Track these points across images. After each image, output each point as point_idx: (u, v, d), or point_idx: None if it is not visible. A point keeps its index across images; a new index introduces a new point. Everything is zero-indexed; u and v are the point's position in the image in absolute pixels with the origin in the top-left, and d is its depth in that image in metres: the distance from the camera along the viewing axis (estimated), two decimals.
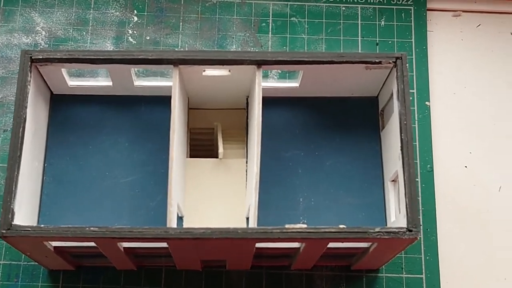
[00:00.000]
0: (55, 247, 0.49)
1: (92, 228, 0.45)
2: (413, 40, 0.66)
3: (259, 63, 0.50)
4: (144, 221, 0.51)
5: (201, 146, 0.58)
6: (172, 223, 0.47)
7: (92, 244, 0.48)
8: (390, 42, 0.66)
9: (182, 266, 0.57)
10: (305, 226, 0.45)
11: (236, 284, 0.58)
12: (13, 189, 0.46)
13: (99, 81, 0.55)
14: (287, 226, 0.45)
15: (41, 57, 0.49)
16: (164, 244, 0.49)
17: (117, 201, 0.52)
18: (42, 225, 0.45)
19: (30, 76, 0.49)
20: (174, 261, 0.55)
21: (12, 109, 0.62)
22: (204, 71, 0.51)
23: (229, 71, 0.52)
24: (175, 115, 0.49)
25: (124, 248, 0.50)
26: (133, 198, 0.52)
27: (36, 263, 0.57)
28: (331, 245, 0.48)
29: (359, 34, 0.66)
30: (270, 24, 0.66)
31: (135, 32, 0.66)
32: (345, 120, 0.55)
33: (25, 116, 0.48)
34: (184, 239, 0.45)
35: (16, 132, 0.47)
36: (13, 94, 0.63)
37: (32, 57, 0.49)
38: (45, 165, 0.53)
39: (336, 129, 0.55)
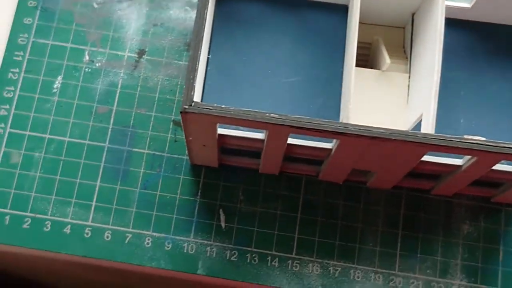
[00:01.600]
0: (219, 135, 0.50)
1: (272, 115, 0.45)
2: None
3: None
4: None
5: (357, 61, 0.57)
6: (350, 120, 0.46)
7: (258, 136, 0.49)
8: None
9: (325, 177, 0.57)
10: (483, 138, 0.45)
11: (375, 202, 0.58)
12: (196, 67, 0.46)
13: None
14: (465, 136, 0.45)
15: None
16: (327, 145, 0.49)
17: (277, 101, 0.52)
18: (223, 106, 0.45)
19: None
20: (321, 170, 0.55)
21: (163, 4, 0.62)
22: None
23: None
24: (354, 20, 0.48)
25: (287, 144, 0.50)
26: (293, 99, 0.52)
27: (179, 156, 0.58)
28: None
29: None
30: None
31: None
32: None
33: None
34: (360, 137, 0.45)
35: (201, 11, 0.47)
36: None
37: None
38: (209, 56, 0.53)
39: (504, 57, 0.54)
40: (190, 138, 0.51)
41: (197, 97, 0.50)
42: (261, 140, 0.50)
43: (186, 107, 0.45)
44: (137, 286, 0.67)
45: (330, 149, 0.50)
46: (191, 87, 0.45)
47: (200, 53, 0.46)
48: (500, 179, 0.53)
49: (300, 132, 0.46)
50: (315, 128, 0.45)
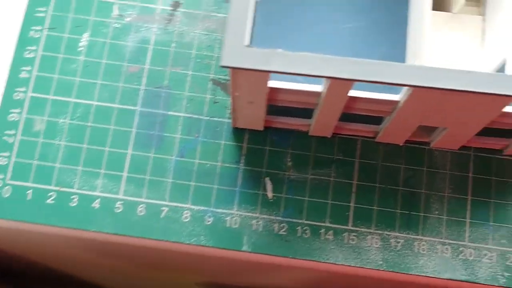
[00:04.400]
0: (270, 89, 0.44)
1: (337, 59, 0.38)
2: None
3: None
4: None
5: None
6: None
7: (315, 88, 0.43)
8: None
9: (384, 138, 0.50)
10: None
11: (440, 165, 0.51)
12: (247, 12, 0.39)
13: None
14: None
15: None
16: (394, 97, 0.43)
17: (336, 49, 0.46)
18: (279, 50, 0.39)
19: None
20: (380, 130, 0.49)
21: None
22: None
23: None
24: None
25: (349, 97, 0.43)
26: (354, 46, 0.46)
27: (219, 119, 0.52)
28: None
29: None
30: None
31: None
32: None
33: None
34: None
35: None
36: None
37: None
38: (257, 1, 0.46)
39: None
40: (237, 94, 0.44)
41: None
42: (318, 94, 0.44)
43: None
44: (174, 266, 0.62)
45: (398, 102, 0.43)
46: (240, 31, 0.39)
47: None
48: None
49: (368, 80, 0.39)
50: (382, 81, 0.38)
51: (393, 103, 0.44)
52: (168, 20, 0.54)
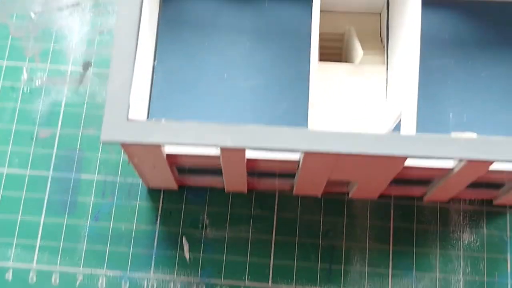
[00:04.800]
0: (168, 155, 0.42)
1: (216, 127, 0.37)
2: None
3: None
4: None
5: (326, 55, 0.50)
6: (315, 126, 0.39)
7: (211, 153, 0.41)
8: None
9: (300, 191, 0.49)
10: (475, 135, 0.37)
11: (360, 215, 0.50)
12: (129, 83, 0.38)
13: None
14: (453, 134, 0.37)
15: None
16: (293, 157, 0.42)
17: (236, 108, 0.45)
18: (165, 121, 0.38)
19: None
20: (295, 183, 0.48)
21: (109, 9, 0.55)
22: None
23: None
24: (317, 13, 0.41)
25: (247, 159, 0.42)
26: (254, 104, 0.45)
27: (133, 180, 0.51)
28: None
29: None
30: None
31: None
32: (505, 27, 0.47)
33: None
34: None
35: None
36: None
37: None
38: (155, 63, 0.46)
39: (494, 37, 0.47)
40: (135, 161, 0.43)
41: (142, 111, 0.43)
42: (217, 157, 0.42)
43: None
44: None
45: (298, 161, 0.42)
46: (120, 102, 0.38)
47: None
48: (501, 179, 0.45)
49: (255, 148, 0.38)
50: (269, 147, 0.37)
51: (294, 162, 0.43)
52: (79, 81, 0.53)
